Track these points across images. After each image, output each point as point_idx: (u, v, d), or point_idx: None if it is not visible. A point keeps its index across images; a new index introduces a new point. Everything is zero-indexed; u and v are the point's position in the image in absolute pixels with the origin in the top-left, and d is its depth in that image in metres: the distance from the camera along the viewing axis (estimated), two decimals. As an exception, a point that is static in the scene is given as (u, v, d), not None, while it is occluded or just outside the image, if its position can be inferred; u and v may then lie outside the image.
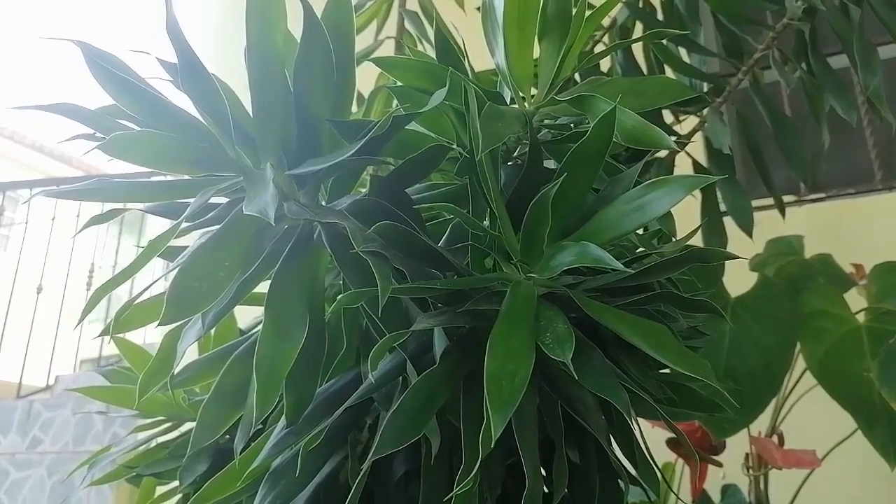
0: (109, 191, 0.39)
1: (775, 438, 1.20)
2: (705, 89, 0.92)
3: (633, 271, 0.36)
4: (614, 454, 0.41)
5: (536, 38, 0.48)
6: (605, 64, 1.06)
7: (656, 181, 0.38)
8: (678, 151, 0.85)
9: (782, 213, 0.99)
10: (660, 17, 0.96)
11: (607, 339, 0.39)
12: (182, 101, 0.39)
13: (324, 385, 0.43)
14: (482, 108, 0.39)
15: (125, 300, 0.43)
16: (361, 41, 0.79)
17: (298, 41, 0.39)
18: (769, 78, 0.99)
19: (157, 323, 0.34)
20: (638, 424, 0.41)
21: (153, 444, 0.66)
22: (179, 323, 0.41)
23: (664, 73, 0.95)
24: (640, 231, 0.49)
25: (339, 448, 0.45)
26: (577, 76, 0.63)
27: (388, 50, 1.14)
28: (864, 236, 1.73)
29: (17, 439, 2.74)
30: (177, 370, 0.44)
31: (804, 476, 1.19)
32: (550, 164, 0.47)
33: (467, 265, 0.42)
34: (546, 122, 0.49)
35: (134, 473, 0.63)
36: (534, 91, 0.48)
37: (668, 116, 0.96)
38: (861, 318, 1.11)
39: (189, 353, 0.41)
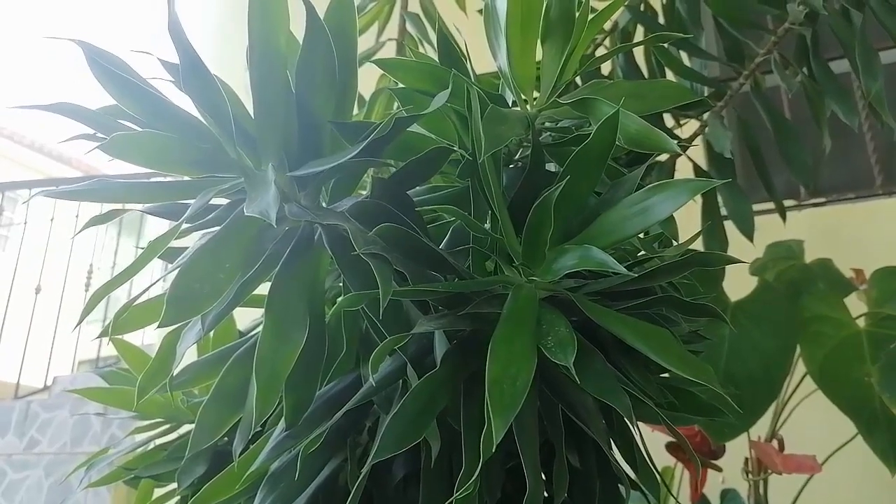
0: (109, 191, 0.39)
1: (775, 443, 1.19)
2: (706, 93, 0.92)
3: (636, 275, 0.36)
4: (614, 458, 0.41)
5: (539, 40, 0.47)
6: (606, 68, 1.06)
7: (659, 185, 0.38)
8: (679, 155, 0.85)
9: (783, 217, 0.99)
10: (661, 21, 0.96)
11: (608, 342, 0.39)
12: (183, 101, 0.39)
13: (324, 388, 0.43)
14: (484, 111, 0.39)
15: (124, 301, 0.43)
16: (363, 43, 0.79)
17: (300, 42, 0.39)
18: (770, 82, 0.99)
19: (156, 324, 0.34)
20: (638, 429, 0.41)
21: (151, 445, 0.65)
22: (179, 324, 0.41)
23: (665, 77, 0.95)
24: (642, 235, 0.49)
25: (338, 451, 0.44)
26: (578, 80, 0.63)
27: (389, 52, 1.14)
28: (865, 241, 1.73)
29: (14, 440, 2.74)
30: (176, 372, 0.43)
31: (804, 481, 1.18)
32: (552, 167, 0.47)
33: (469, 268, 0.42)
34: (548, 124, 0.49)
35: (132, 475, 0.62)
36: (536, 94, 0.48)
37: (668, 120, 0.96)
38: (861, 322, 1.11)
39: (188, 355, 0.41)
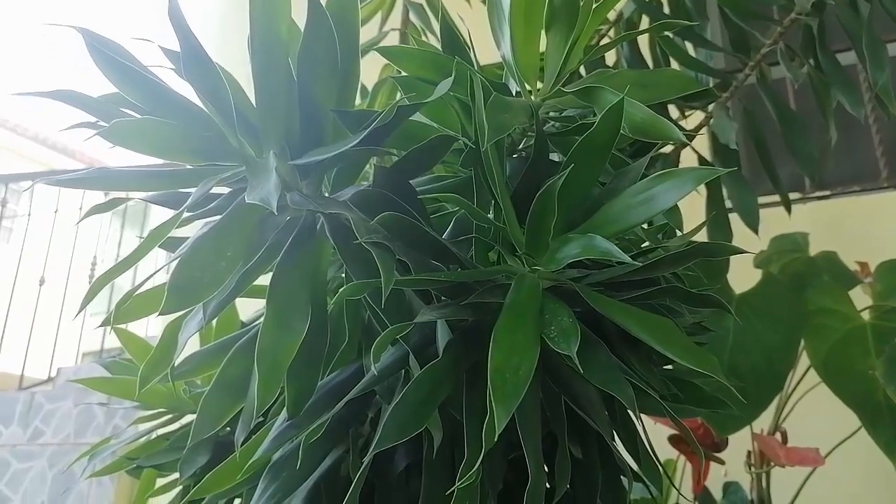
0: (111, 179, 0.38)
1: (778, 436, 1.19)
2: (712, 84, 0.91)
3: (640, 265, 0.36)
4: (617, 450, 0.41)
5: (543, 29, 0.47)
6: (610, 59, 1.05)
7: (664, 173, 0.38)
8: (684, 146, 0.84)
9: (788, 209, 0.98)
10: (666, 11, 0.95)
11: (611, 333, 0.39)
12: (185, 89, 0.38)
13: (325, 378, 0.43)
14: (488, 99, 0.39)
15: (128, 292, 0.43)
16: (366, 33, 0.79)
17: (302, 30, 0.38)
18: (776, 73, 0.99)
19: (157, 312, 0.34)
20: (641, 420, 0.41)
21: (154, 435, 0.65)
22: (181, 313, 0.41)
23: (670, 68, 0.94)
24: (646, 225, 0.49)
25: (340, 441, 0.44)
26: (582, 69, 0.63)
27: (392, 42, 1.13)
28: (870, 234, 1.72)
29: (18, 431, 2.75)
30: (178, 361, 0.43)
31: (807, 474, 1.18)
32: (556, 156, 0.47)
33: (471, 257, 0.41)
34: (552, 114, 0.49)
35: (134, 465, 0.62)
36: (540, 84, 0.48)
37: (674, 112, 0.95)
38: (866, 315, 1.11)
39: (190, 345, 0.41)
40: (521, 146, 0.49)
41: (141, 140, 0.36)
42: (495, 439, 0.31)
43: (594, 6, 0.47)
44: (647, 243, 0.45)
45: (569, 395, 0.38)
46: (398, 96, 0.49)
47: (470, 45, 0.51)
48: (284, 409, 0.39)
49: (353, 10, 0.41)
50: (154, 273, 0.43)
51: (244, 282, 0.38)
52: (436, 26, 1.00)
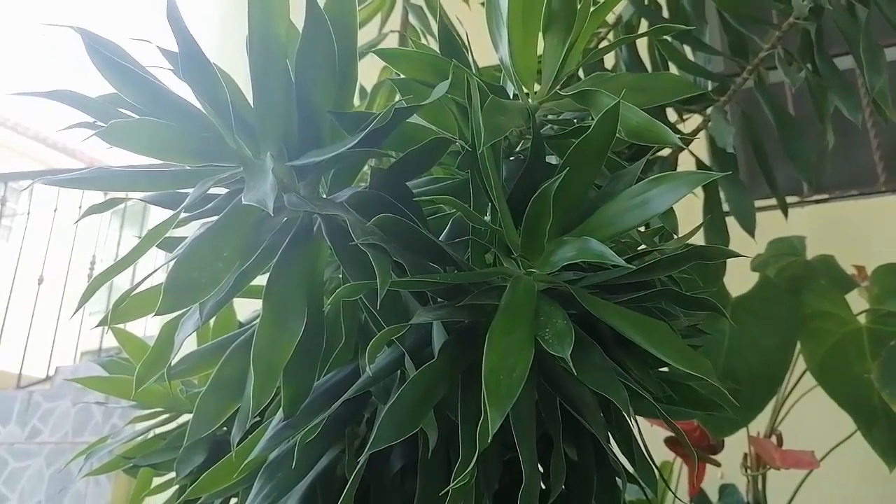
0: (109, 179, 0.39)
1: (774, 439, 1.19)
2: (710, 88, 0.92)
3: (635, 268, 0.36)
4: (612, 452, 0.41)
5: (540, 33, 0.47)
6: (609, 61, 1.06)
7: (658, 177, 0.38)
8: (681, 150, 0.84)
9: (785, 213, 0.98)
10: (665, 14, 0.95)
11: (607, 336, 0.39)
12: (183, 90, 0.39)
13: (322, 378, 0.43)
14: (484, 102, 0.39)
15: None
16: (366, 34, 0.79)
17: (301, 32, 0.39)
18: (774, 78, 0.99)
19: (154, 313, 0.34)
20: (636, 422, 0.41)
21: (151, 434, 0.66)
22: (178, 313, 0.41)
23: (669, 71, 0.95)
24: (642, 228, 0.49)
25: (336, 441, 0.44)
26: (580, 72, 0.63)
27: (392, 44, 1.14)
28: (867, 238, 1.73)
29: (16, 429, 2.75)
30: (174, 361, 0.43)
31: (802, 477, 1.19)
32: (553, 159, 0.47)
33: (467, 259, 0.41)
34: (549, 116, 0.49)
35: (131, 464, 0.63)
36: (537, 86, 0.48)
37: (671, 115, 0.96)
38: (862, 319, 1.11)
39: (188, 345, 0.41)
40: (518, 148, 0.49)
41: (139, 141, 0.36)
42: (489, 441, 0.31)
43: (592, 9, 0.47)
44: (642, 246, 0.45)
45: (564, 396, 0.39)
46: (397, 98, 0.49)
47: (468, 47, 0.51)
48: (281, 408, 0.39)
49: (351, 11, 0.42)
50: (151, 273, 0.43)
51: (241, 282, 0.38)
52: (435, 28, 1.01)
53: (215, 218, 0.37)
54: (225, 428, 0.50)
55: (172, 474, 0.59)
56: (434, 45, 0.57)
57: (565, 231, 0.39)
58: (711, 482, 1.18)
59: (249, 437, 0.43)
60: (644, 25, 0.98)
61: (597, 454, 0.42)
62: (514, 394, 0.31)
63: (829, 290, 1.15)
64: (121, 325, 0.54)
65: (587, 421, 0.37)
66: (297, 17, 0.40)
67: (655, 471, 0.44)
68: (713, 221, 0.89)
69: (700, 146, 0.94)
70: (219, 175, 0.37)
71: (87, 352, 3.61)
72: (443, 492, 0.34)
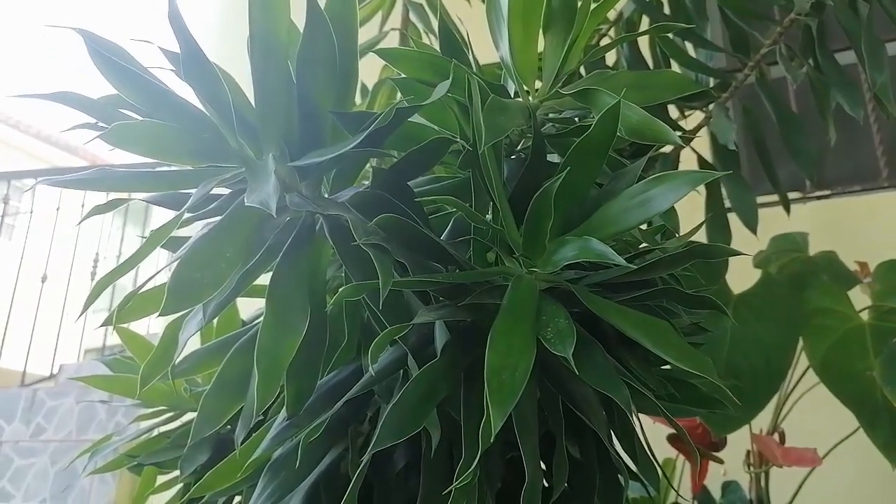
0: (112, 180, 0.39)
1: (776, 436, 1.20)
2: (711, 84, 0.91)
3: (636, 267, 0.36)
4: (614, 450, 0.41)
5: (541, 31, 0.47)
6: (610, 59, 1.05)
7: (660, 176, 0.38)
8: (683, 147, 0.84)
9: (787, 209, 0.98)
10: (666, 11, 0.95)
11: (609, 334, 0.39)
12: (185, 91, 0.39)
13: (325, 377, 0.43)
14: (485, 101, 0.39)
15: (129, 290, 0.43)
16: (366, 33, 0.79)
17: (301, 31, 0.39)
18: (776, 74, 0.99)
19: (157, 313, 0.34)
20: (639, 420, 0.41)
21: (155, 433, 0.66)
22: (182, 313, 0.41)
23: (670, 68, 0.94)
24: (644, 226, 0.49)
25: (339, 440, 0.45)
26: (582, 70, 0.63)
27: (392, 42, 1.14)
28: (869, 234, 1.72)
29: (20, 427, 2.76)
30: (178, 360, 0.44)
31: (805, 474, 1.19)
32: (554, 158, 0.47)
33: (469, 259, 0.42)
34: (550, 115, 0.49)
35: (135, 462, 0.63)
36: (538, 84, 0.48)
37: (673, 112, 0.96)
38: (865, 316, 1.11)
39: (192, 344, 0.41)
40: (519, 147, 0.49)
41: (140, 142, 0.37)
42: (492, 440, 0.31)
43: (592, 7, 0.47)
44: (644, 244, 0.45)
45: (566, 395, 0.39)
46: (397, 97, 0.49)
47: (469, 45, 0.51)
48: (284, 407, 0.39)
49: (351, 11, 0.42)
50: (155, 274, 0.43)
51: (244, 282, 0.38)
52: (436, 26, 1.00)
53: (218, 218, 0.37)
54: (229, 426, 0.51)
55: (176, 472, 0.59)
56: (435, 43, 0.57)
57: (567, 230, 0.39)
58: (714, 479, 1.18)
59: (253, 435, 0.43)
60: (645, 22, 0.98)
61: (599, 452, 0.42)
62: (516, 393, 0.31)
63: (832, 286, 1.14)
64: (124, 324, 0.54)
65: (589, 419, 0.37)
66: (298, 16, 0.40)
67: (658, 468, 0.44)
68: (715, 218, 0.89)
69: (702, 142, 0.94)
70: (221, 175, 0.38)
71: (91, 349, 3.63)
72: (446, 490, 0.35)
